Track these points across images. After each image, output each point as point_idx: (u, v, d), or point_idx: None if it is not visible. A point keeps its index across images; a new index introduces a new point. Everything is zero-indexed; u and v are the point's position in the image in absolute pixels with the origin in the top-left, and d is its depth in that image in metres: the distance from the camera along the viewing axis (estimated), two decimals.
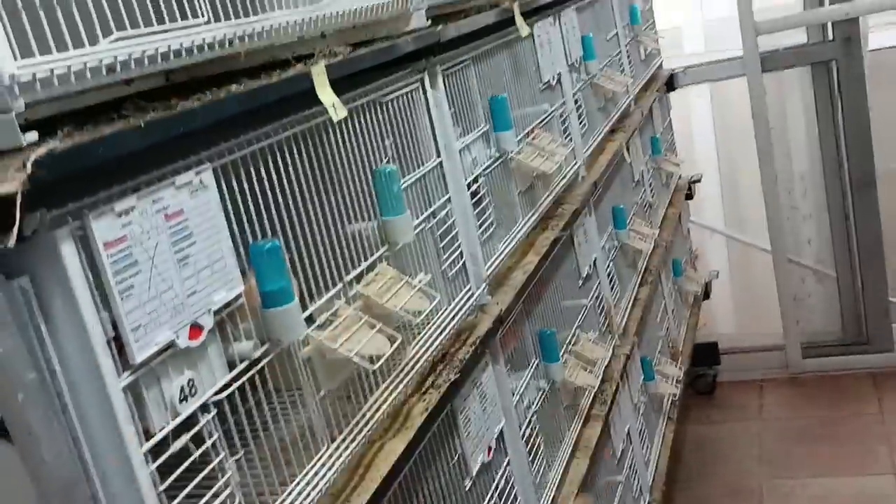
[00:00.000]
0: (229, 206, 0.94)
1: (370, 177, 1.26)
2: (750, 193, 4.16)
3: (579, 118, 2.39)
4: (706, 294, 4.07)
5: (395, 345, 1.10)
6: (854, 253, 4.00)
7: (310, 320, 1.07)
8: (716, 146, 4.33)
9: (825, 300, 4.21)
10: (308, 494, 1.02)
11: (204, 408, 0.85)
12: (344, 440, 1.10)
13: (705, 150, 4.34)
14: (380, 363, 1.06)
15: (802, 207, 4.18)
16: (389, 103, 1.35)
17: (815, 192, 4.11)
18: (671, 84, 3.90)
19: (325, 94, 1.05)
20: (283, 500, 0.98)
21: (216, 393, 0.86)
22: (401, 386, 1.25)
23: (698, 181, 4.07)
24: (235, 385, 0.87)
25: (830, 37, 3.78)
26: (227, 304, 0.89)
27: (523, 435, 1.70)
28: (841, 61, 3.76)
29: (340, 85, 1.16)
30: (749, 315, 4.40)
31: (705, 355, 4.14)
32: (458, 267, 1.51)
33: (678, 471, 3.59)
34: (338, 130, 1.20)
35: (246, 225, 0.97)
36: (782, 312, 4.07)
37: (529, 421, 1.75)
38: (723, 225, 4.40)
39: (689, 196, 4.01)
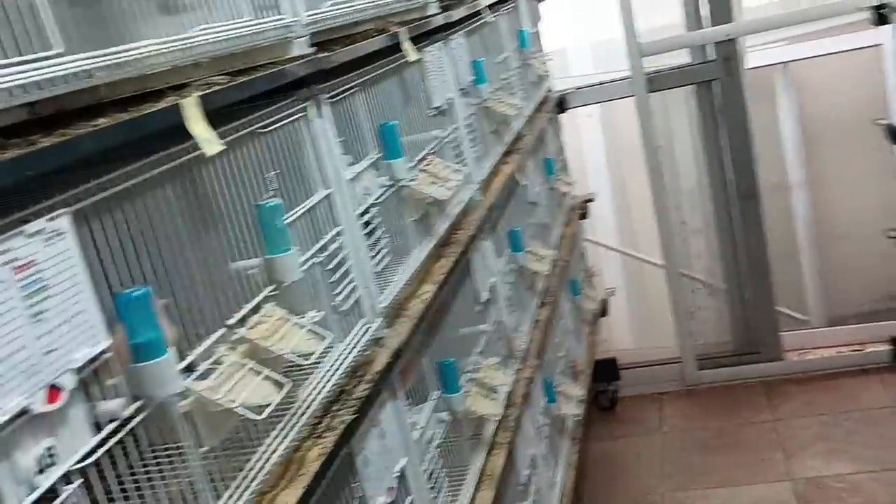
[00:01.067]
0: (94, 252, 0.86)
1: (253, 212, 1.19)
2: (641, 210, 4.24)
3: (473, 142, 2.37)
4: (604, 311, 4.12)
5: (283, 391, 1.03)
6: (741, 265, 4.11)
7: (190, 369, 1.00)
8: (607, 166, 4.40)
9: (717, 312, 4.32)
10: None
11: (67, 477, 0.77)
12: (231, 497, 1.02)
13: (597, 169, 4.42)
14: (266, 412, 0.99)
15: (691, 222, 4.28)
16: (273, 134, 1.29)
17: (702, 207, 4.22)
18: (561, 106, 3.94)
19: (198, 127, 0.98)
20: None
21: (80, 460, 0.78)
22: (292, 432, 1.18)
23: (592, 200, 4.13)
24: (102, 450, 0.79)
25: (712, 57, 3.89)
26: (92, 360, 0.81)
27: (426, 471, 1.64)
28: (722, 80, 3.88)
29: (218, 115, 1.09)
30: (646, 330, 4.48)
31: (605, 371, 4.18)
32: (351, 301, 1.45)
33: (583, 487, 3.60)
34: (216, 164, 1.14)
35: (114, 271, 0.89)
36: (677, 326, 4.15)
37: (432, 456, 1.70)
38: (617, 242, 4.47)
39: (584, 216, 4.05)
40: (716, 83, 3.92)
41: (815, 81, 4.15)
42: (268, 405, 1.00)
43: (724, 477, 3.52)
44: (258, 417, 0.98)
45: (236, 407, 0.96)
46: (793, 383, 4.06)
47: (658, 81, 3.89)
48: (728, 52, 3.83)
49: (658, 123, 4.02)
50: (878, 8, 3.50)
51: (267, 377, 1.03)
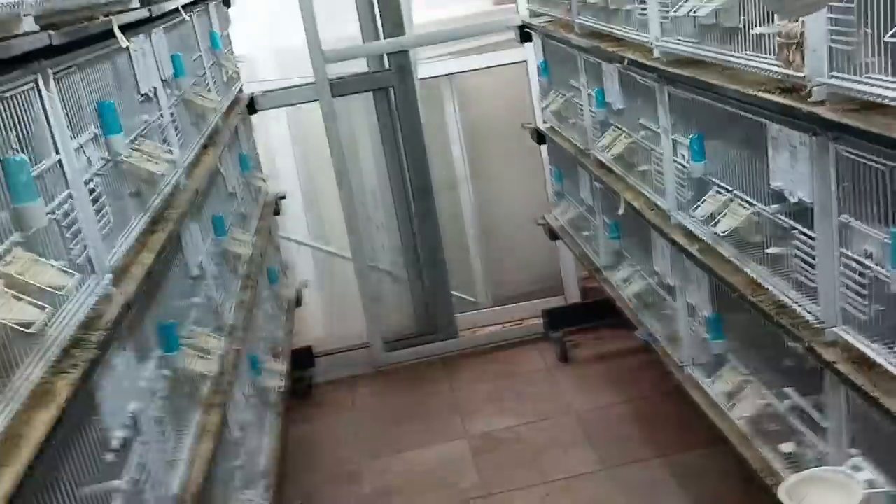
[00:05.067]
0: None
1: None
2: (330, 207, 4.57)
3: (176, 130, 2.53)
4: (298, 301, 4.38)
5: (45, 314, 1.18)
6: (419, 254, 4.59)
7: None
8: (297, 165, 4.68)
9: (400, 299, 4.75)
10: None
11: None
12: None
13: (287, 169, 4.67)
14: (35, 328, 1.14)
15: (376, 217, 4.69)
16: (10, 99, 1.41)
17: (385, 203, 4.64)
18: (252, 107, 4.16)
19: None
20: None
21: None
22: (41, 363, 1.32)
23: (284, 198, 4.38)
24: None
25: (388, 66, 4.32)
26: None
27: (154, 417, 1.81)
28: (397, 87, 4.33)
29: None
30: (338, 318, 4.81)
31: (301, 359, 4.44)
32: (84, 256, 1.59)
33: (286, 467, 3.83)
34: None
35: None
36: (365, 313, 4.52)
37: (159, 406, 1.86)
38: (308, 237, 4.76)
39: (277, 212, 4.29)
40: (391, 90, 4.36)
41: (476, 91, 4.74)
42: (33, 322, 1.15)
43: (412, 441, 3.93)
44: (29, 331, 1.13)
45: (8, 322, 1.10)
46: (467, 357, 4.60)
47: (340, 87, 4.25)
48: (401, 62, 4.29)
49: (343, 126, 4.37)
50: (521, 28, 4.13)
51: (29, 302, 1.18)
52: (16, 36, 1.51)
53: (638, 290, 3.13)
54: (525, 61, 4.36)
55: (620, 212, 3.03)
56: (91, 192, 1.70)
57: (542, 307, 4.60)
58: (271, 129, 4.57)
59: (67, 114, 1.66)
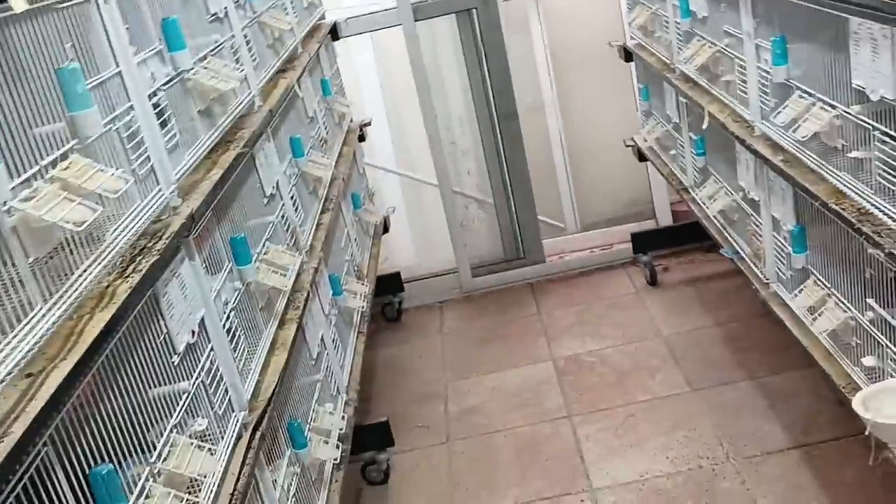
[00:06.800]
0: None
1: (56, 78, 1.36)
2: (416, 134, 4.57)
3: (250, 52, 2.56)
4: (385, 228, 4.43)
5: (97, 213, 1.23)
6: (506, 180, 4.55)
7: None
8: (382, 92, 4.68)
9: (487, 224, 4.75)
10: (22, 350, 1.13)
11: None
12: (56, 303, 1.21)
13: (372, 96, 4.68)
14: (84, 227, 1.18)
15: (461, 143, 4.66)
16: (66, 10, 1.45)
17: (470, 129, 4.60)
18: (335, 33, 4.16)
19: None
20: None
21: None
22: (103, 263, 1.37)
23: (368, 124, 4.40)
24: None
25: None
26: None
27: (224, 326, 1.87)
28: (480, 9, 4.25)
29: None
30: (426, 245, 4.84)
31: (390, 285, 4.51)
32: (147, 169, 1.64)
33: (374, 386, 3.93)
34: (21, 30, 1.29)
35: None
36: (452, 240, 4.54)
37: (228, 315, 1.92)
38: (395, 165, 4.78)
39: (362, 138, 4.32)
40: (474, 12, 4.29)
41: (562, 9, 4.62)
42: (84, 221, 1.19)
43: (498, 363, 3.96)
44: (78, 229, 1.17)
45: (58, 221, 1.15)
46: (554, 282, 4.58)
47: (422, 10, 4.20)
48: None
49: (427, 51, 4.34)
50: None
51: (81, 203, 1.22)
52: None
53: (723, 206, 3.03)
54: None
55: (704, 125, 2.92)
56: (155, 106, 1.74)
57: (630, 231, 4.52)
58: (357, 55, 4.57)
59: (129, 29, 1.69)
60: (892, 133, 1.71)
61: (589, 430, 3.36)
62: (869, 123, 1.82)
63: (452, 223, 4.52)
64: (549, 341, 4.06)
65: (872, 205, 1.85)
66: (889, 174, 1.76)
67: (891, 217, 1.78)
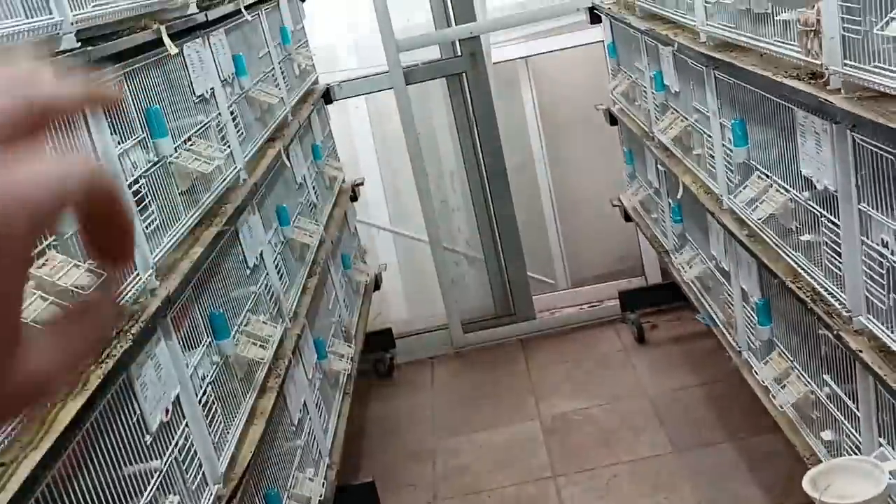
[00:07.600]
0: None
1: None
2: (409, 192, 4.67)
3: (236, 127, 2.66)
4: (377, 285, 4.51)
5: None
6: (496, 237, 4.64)
7: None
8: (376, 152, 4.80)
9: (478, 281, 4.83)
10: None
11: None
12: None
13: (367, 156, 4.80)
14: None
15: (451, 201, 4.77)
16: None
17: (461, 187, 4.71)
18: (328, 97, 4.29)
19: None
20: None
21: None
22: None
23: (361, 184, 4.51)
24: None
25: (459, 52, 4.37)
26: None
27: (200, 401, 1.94)
28: (470, 73, 4.38)
29: None
30: (417, 301, 4.92)
31: (382, 341, 4.58)
32: None
33: (363, 444, 3.98)
34: None
35: None
36: (443, 296, 4.62)
37: (205, 389, 2.00)
38: (388, 221, 4.88)
39: (354, 198, 4.42)
40: (464, 76, 4.41)
41: (551, 73, 4.74)
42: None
43: (487, 422, 4.01)
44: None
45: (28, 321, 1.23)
46: (544, 338, 4.64)
47: (414, 74, 4.33)
48: (473, 47, 4.33)
49: (418, 112, 4.46)
50: (591, 9, 4.11)
51: (53, 303, 1.31)
52: (57, 53, 1.65)
53: (699, 272, 3.11)
54: (603, 41, 4.33)
55: (679, 195, 3.01)
56: (135, 193, 1.84)
57: (618, 289, 4.59)
58: (352, 116, 4.70)
59: (111, 122, 1.79)
60: (836, 221, 1.79)
61: (573, 491, 3.41)
62: (817, 209, 1.90)
63: (443, 279, 4.60)
64: (538, 399, 4.11)
65: (823, 288, 1.92)
66: (834, 258, 1.83)
67: (837, 299, 1.85)
